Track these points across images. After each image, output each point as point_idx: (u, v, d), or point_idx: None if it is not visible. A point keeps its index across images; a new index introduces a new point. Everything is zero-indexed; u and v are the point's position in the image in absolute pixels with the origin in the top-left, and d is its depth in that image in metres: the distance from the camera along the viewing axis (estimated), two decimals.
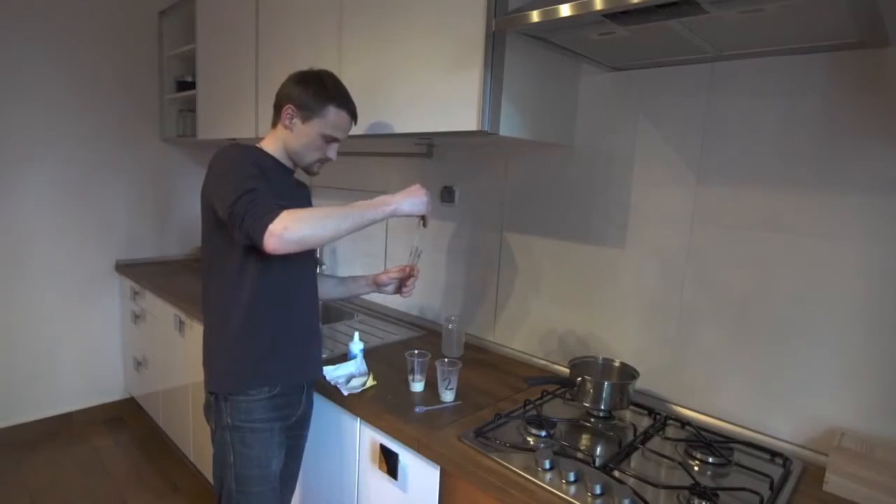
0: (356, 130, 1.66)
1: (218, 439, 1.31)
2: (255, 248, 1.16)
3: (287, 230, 1.09)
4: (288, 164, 1.37)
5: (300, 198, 1.44)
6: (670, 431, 1.33)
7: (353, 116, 1.37)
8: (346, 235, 1.19)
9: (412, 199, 1.26)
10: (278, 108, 1.34)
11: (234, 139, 2.38)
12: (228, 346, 1.29)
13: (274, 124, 1.36)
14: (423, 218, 1.34)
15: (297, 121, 1.31)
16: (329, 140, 1.34)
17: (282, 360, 1.31)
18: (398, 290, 1.56)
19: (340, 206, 1.19)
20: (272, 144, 1.35)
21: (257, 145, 1.35)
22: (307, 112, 1.30)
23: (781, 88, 1.22)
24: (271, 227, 1.09)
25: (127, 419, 3.00)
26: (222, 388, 1.29)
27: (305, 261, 1.38)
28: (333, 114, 1.31)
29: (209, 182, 1.24)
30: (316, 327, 1.43)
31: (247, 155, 1.25)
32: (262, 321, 1.28)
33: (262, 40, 2.10)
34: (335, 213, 1.16)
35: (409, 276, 1.53)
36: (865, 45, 1.08)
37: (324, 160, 1.38)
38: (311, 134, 1.32)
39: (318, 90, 1.30)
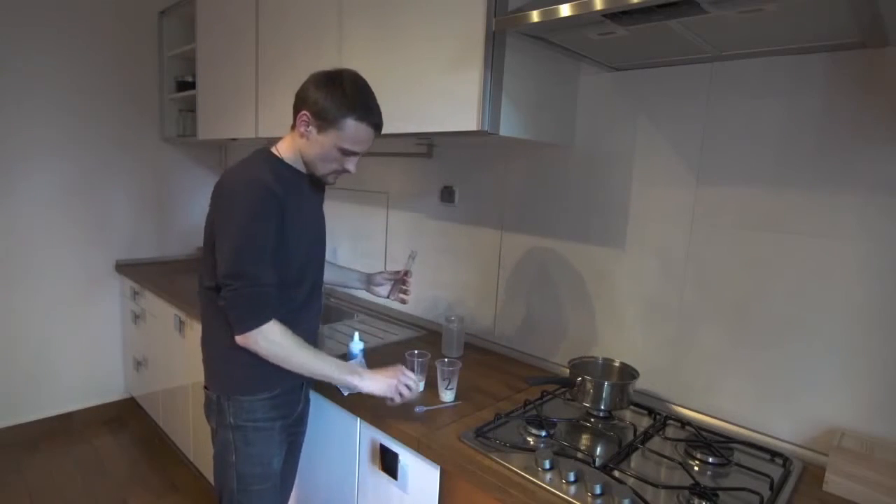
0: None
1: (220, 438, 1.31)
2: None
3: (259, 343, 1.17)
4: (304, 169, 1.28)
5: (314, 205, 1.36)
6: (670, 431, 1.32)
7: (377, 128, 1.22)
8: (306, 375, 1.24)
9: (381, 384, 1.25)
10: (295, 112, 1.22)
11: (234, 139, 2.38)
12: (229, 353, 1.24)
13: (293, 126, 1.25)
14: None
15: (312, 129, 1.20)
16: (347, 154, 1.22)
17: (280, 367, 1.25)
18: (392, 294, 1.57)
19: (317, 353, 1.24)
20: (288, 150, 1.26)
21: (273, 148, 1.27)
22: (323, 122, 1.18)
23: (782, 88, 1.22)
24: (251, 333, 1.16)
25: (127, 419, 3.00)
26: (224, 390, 1.29)
27: (312, 288, 1.36)
28: (353, 127, 1.17)
29: (215, 217, 1.21)
30: (315, 337, 1.41)
31: (256, 189, 1.16)
32: None
33: (262, 40, 2.10)
34: (308, 354, 1.21)
35: (403, 280, 1.53)
36: (865, 45, 1.09)
37: (340, 172, 1.27)
38: (326, 145, 1.20)
39: (336, 98, 1.16)
